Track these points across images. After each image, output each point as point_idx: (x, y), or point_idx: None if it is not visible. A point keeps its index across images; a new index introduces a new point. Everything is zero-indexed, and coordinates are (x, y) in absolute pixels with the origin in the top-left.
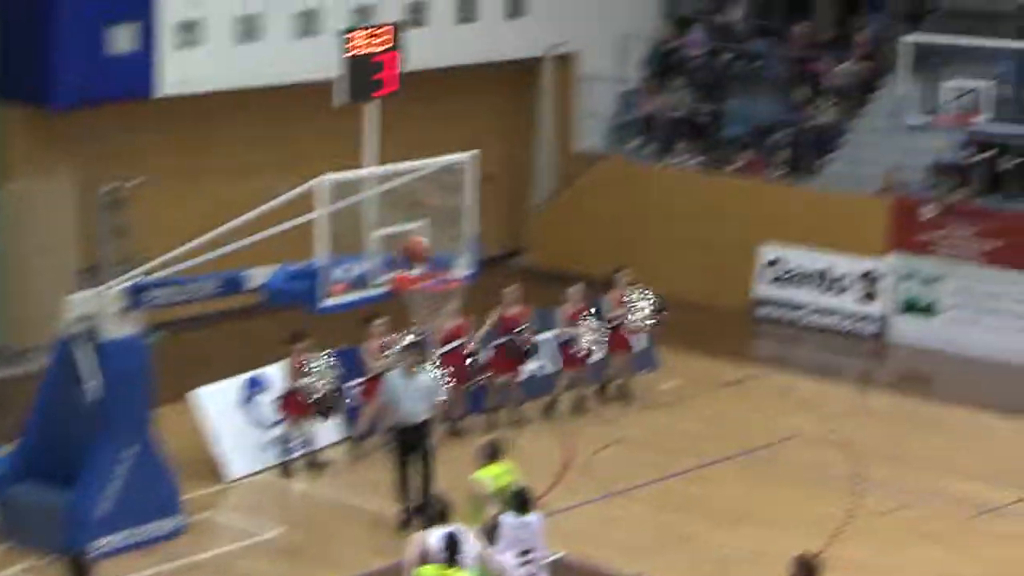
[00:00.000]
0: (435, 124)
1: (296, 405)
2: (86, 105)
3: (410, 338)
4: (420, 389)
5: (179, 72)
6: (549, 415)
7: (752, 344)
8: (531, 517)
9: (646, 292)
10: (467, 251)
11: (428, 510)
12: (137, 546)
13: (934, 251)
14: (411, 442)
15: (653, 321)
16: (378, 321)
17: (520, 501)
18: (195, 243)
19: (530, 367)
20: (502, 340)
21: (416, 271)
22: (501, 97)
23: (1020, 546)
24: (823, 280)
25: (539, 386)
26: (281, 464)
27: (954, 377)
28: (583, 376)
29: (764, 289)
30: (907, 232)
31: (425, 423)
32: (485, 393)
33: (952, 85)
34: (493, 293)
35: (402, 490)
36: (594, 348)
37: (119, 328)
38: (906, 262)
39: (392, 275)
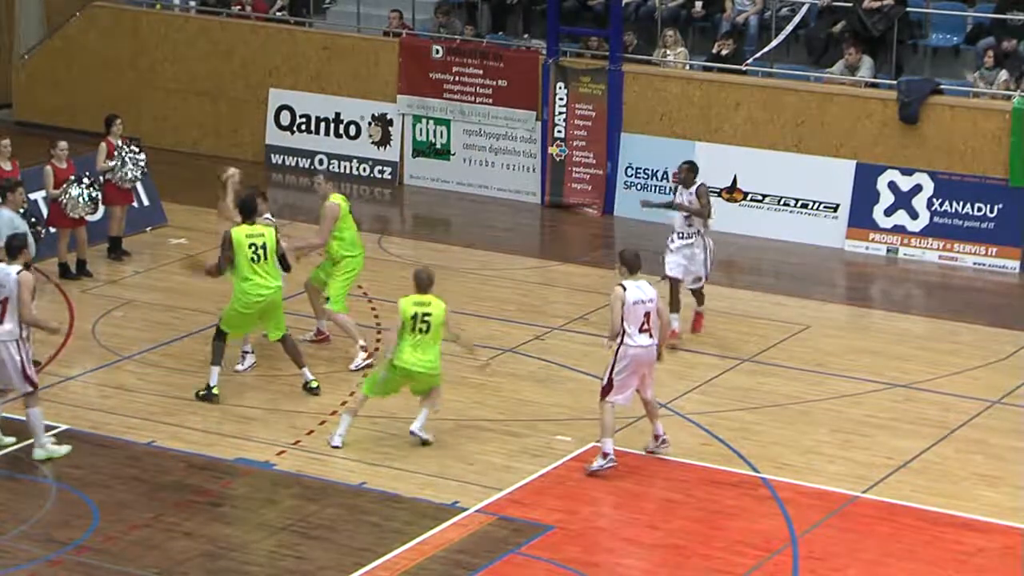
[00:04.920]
0: None
1: None
2: None
3: None
4: None
5: None
6: (61, 275)
7: (266, 193)
8: None
9: (134, 145)
10: None
11: None
12: None
13: (445, 91)
14: None
15: (140, 175)
16: None
17: None
18: None
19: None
20: None
21: None
22: None
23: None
24: (334, 125)
25: (42, 249)
26: None
27: (473, 221)
28: (79, 232)
29: (275, 137)
30: (417, 72)
31: None
32: None
33: None
34: None
35: None
36: (87, 208)
37: None
38: (416, 104)
39: None
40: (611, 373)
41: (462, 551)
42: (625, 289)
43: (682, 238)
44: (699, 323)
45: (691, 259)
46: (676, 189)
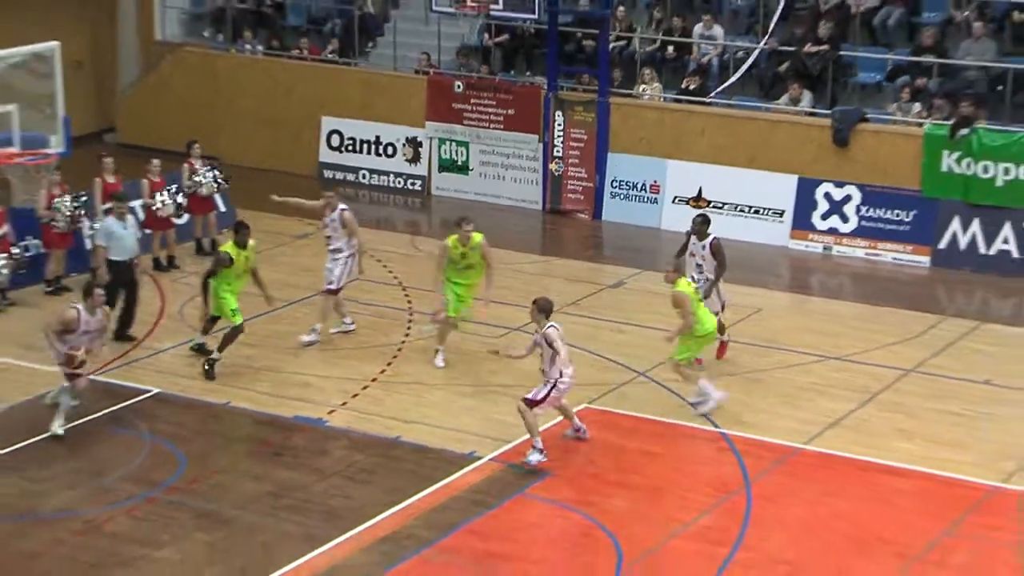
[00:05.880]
0: (23, 20)
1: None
2: None
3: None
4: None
5: None
6: (154, 267)
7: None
8: None
9: (211, 163)
10: (59, 129)
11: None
12: None
13: (464, 118)
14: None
15: (219, 186)
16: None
17: None
18: None
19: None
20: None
21: (12, 148)
22: None
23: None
24: (374, 146)
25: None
26: None
27: (489, 224)
28: (168, 234)
29: (326, 156)
30: (442, 103)
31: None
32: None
33: None
34: (89, 165)
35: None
36: (174, 214)
37: None
38: (442, 129)
39: None
40: (547, 397)
41: (479, 492)
42: (557, 329)
43: (694, 282)
44: (723, 350)
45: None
46: (689, 240)
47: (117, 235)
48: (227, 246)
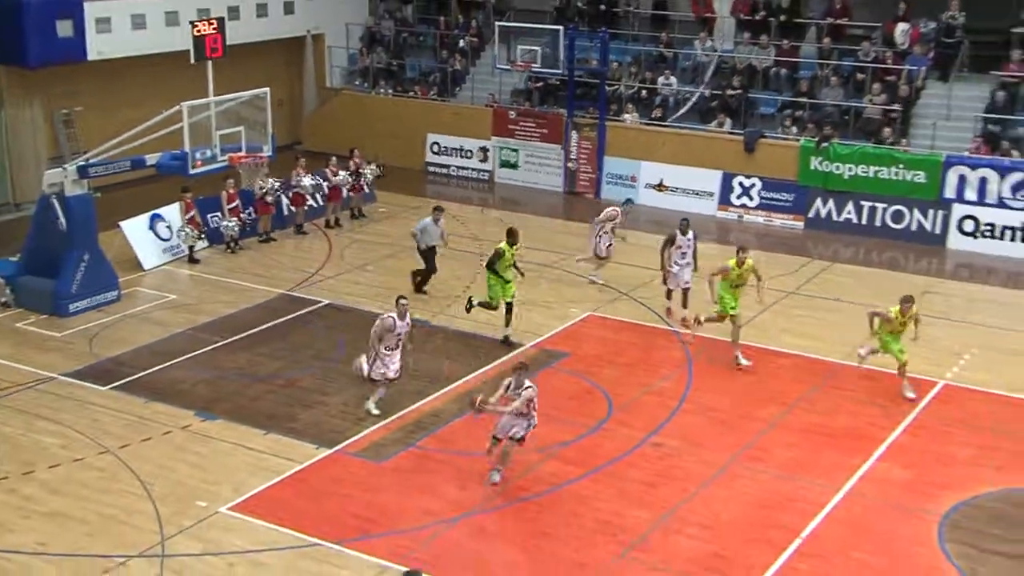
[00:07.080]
0: (248, 74)
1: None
2: (47, 65)
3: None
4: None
5: (98, 47)
6: (325, 226)
7: (424, 187)
8: None
9: (371, 162)
10: (269, 141)
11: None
12: (94, 307)
13: (515, 135)
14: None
15: (374, 177)
16: (230, 180)
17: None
18: (112, 142)
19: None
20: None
21: (241, 153)
22: (284, 58)
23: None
24: (460, 152)
25: (317, 211)
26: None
27: (530, 200)
28: (338, 205)
29: (430, 158)
30: (501, 125)
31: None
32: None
33: (522, 47)
34: (288, 162)
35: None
36: (345, 188)
37: (75, 189)
38: (501, 141)
39: (228, 155)
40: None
41: (525, 362)
42: (533, 388)
43: (678, 264)
44: (671, 313)
45: (684, 275)
46: (676, 235)
47: (429, 231)
48: (503, 244)
